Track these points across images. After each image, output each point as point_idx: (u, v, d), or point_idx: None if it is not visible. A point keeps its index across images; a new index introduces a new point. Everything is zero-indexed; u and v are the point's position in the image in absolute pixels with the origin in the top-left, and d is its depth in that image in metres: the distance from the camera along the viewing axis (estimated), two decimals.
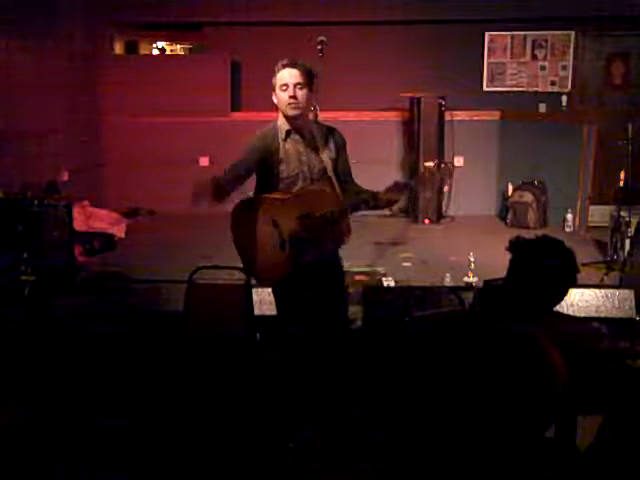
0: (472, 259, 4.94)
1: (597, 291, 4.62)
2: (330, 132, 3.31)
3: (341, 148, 3.32)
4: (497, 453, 2.13)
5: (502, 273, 2.46)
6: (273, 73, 3.20)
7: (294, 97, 3.13)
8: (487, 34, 7.73)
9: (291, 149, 3.21)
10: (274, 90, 3.21)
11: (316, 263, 3.22)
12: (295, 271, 3.19)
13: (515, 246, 2.38)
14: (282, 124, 3.24)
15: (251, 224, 3.19)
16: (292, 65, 3.17)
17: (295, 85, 3.14)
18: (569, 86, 7.71)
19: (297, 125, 3.22)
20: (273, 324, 4.08)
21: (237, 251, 3.27)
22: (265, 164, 3.21)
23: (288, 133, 3.22)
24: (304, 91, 3.16)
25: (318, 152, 3.24)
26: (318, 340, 3.33)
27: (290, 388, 3.44)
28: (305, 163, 3.22)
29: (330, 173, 3.24)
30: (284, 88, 3.15)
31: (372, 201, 3.18)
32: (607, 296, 4.59)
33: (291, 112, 3.16)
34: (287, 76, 3.15)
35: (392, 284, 4.93)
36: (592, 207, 6.94)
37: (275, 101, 3.22)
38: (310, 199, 3.18)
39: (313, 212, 3.14)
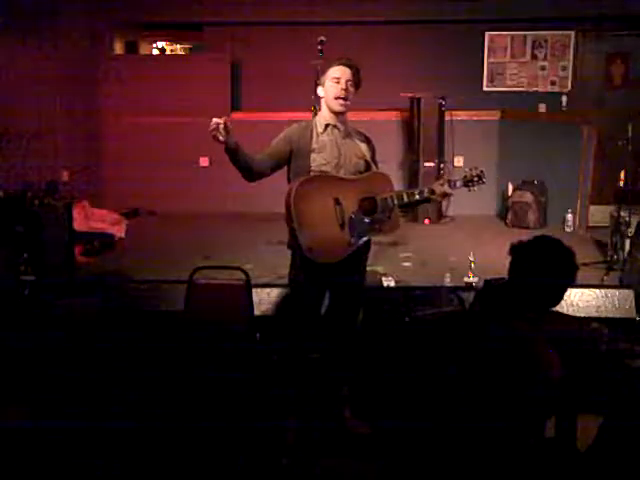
0: (472, 259, 4.94)
1: (597, 291, 4.63)
2: (364, 136, 3.40)
3: (374, 153, 3.40)
4: (496, 450, 2.13)
5: (502, 273, 2.46)
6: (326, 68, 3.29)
7: (345, 90, 3.22)
8: (487, 34, 7.72)
9: (326, 141, 3.26)
10: (322, 84, 3.29)
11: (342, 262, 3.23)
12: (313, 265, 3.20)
13: (515, 249, 2.40)
14: (321, 118, 3.30)
15: (313, 200, 3.17)
16: (347, 64, 3.28)
17: (347, 81, 3.24)
18: (569, 86, 7.70)
19: (338, 120, 3.28)
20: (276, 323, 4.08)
21: (292, 228, 3.17)
22: (296, 153, 3.26)
23: (326, 126, 3.28)
24: (352, 89, 3.26)
25: (357, 147, 3.30)
26: (321, 340, 3.35)
27: (290, 388, 3.44)
28: (341, 155, 3.27)
29: (372, 164, 3.32)
30: (335, 80, 3.23)
31: (429, 193, 3.29)
32: (607, 296, 4.60)
33: (338, 107, 3.24)
34: (340, 72, 3.25)
35: (392, 284, 4.92)
36: (592, 207, 6.93)
37: (321, 94, 3.30)
38: (374, 183, 3.26)
39: (374, 196, 3.23)
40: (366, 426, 3.44)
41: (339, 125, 3.28)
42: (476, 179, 3.38)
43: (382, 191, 3.24)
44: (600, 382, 2.57)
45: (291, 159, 3.28)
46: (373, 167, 3.32)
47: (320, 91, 3.30)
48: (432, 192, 3.31)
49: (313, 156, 3.23)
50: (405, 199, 3.26)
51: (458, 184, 3.35)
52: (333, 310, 3.43)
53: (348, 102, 3.25)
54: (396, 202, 3.23)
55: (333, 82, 3.23)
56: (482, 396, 2.17)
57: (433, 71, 7.48)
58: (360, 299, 3.54)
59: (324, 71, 3.30)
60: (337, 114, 3.26)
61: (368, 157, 3.32)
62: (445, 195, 3.34)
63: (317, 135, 3.25)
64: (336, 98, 3.22)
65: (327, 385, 3.48)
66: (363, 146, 3.32)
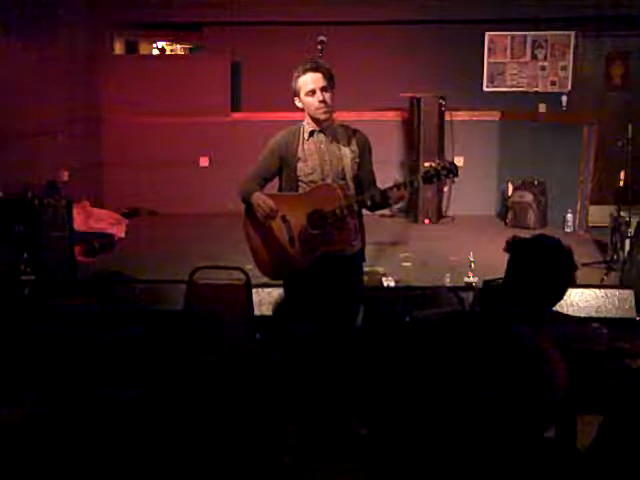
0: (472, 259, 4.94)
1: (597, 291, 4.63)
2: (354, 133, 3.33)
3: (364, 150, 3.32)
4: (496, 452, 2.13)
5: (502, 273, 2.45)
6: (294, 78, 3.21)
7: (324, 101, 3.15)
8: (487, 34, 7.72)
9: (312, 148, 3.24)
10: (297, 95, 3.22)
11: (334, 265, 3.23)
12: (309, 270, 3.21)
13: (512, 246, 2.39)
14: (307, 124, 3.27)
15: (261, 223, 3.24)
16: (315, 69, 3.18)
17: (322, 89, 3.16)
18: (569, 86, 7.70)
19: (324, 126, 3.24)
20: (276, 323, 4.08)
21: (249, 249, 3.35)
22: (284, 163, 3.26)
23: (312, 133, 3.25)
24: (330, 94, 3.19)
25: (340, 151, 3.25)
26: (321, 341, 3.35)
27: (289, 388, 3.44)
28: (327, 162, 3.23)
29: (348, 172, 3.25)
30: (310, 93, 3.17)
31: (379, 196, 3.15)
32: (607, 296, 4.60)
33: (323, 116, 3.20)
34: (311, 81, 3.16)
35: (392, 284, 4.92)
36: (592, 207, 6.93)
37: (300, 105, 3.24)
38: (320, 196, 3.20)
39: (322, 208, 3.16)
40: (366, 427, 3.44)
41: (326, 130, 3.25)
42: (444, 172, 3.14)
43: (328, 203, 3.15)
44: (600, 382, 2.57)
45: (281, 169, 3.29)
46: (347, 168, 3.25)
47: (298, 102, 3.24)
48: (386, 196, 3.15)
49: (299, 165, 3.23)
50: (356, 208, 3.16)
51: (415, 184, 3.17)
52: (333, 310, 3.42)
53: (330, 107, 3.19)
54: (346, 212, 3.13)
55: (309, 95, 3.17)
56: (483, 399, 2.17)
57: (433, 71, 7.48)
58: (360, 299, 3.53)
59: (295, 79, 3.21)
60: (324, 121, 3.22)
61: (355, 157, 3.26)
62: (401, 198, 3.19)
63: (303, 143, 3.24)
64: (318, 110, 3.18)
65: (327, 385, 3.48)
66: (347, 149, 3.26)
